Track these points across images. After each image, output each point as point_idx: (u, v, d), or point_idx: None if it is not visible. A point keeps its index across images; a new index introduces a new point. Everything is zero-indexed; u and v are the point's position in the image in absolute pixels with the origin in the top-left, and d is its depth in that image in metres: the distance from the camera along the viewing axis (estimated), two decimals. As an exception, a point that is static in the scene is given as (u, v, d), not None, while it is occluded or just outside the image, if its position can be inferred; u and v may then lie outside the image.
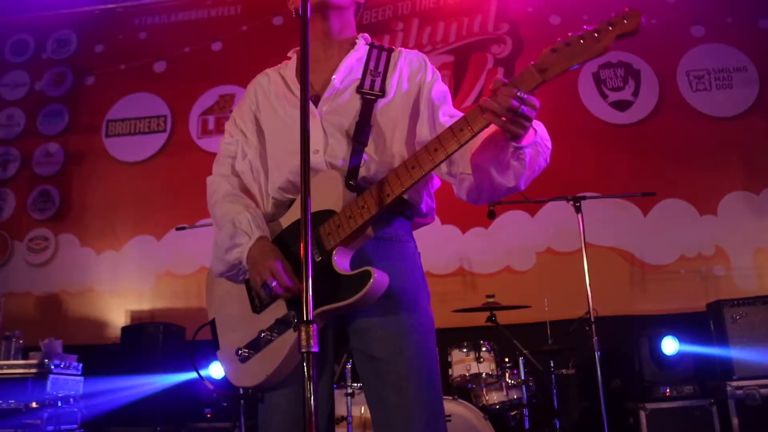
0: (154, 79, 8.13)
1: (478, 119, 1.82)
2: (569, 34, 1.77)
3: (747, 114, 7.05)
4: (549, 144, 2.01)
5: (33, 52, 8.50)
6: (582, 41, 1.75)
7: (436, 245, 6.62)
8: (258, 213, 2.19)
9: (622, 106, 7.19)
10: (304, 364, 1.43)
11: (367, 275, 1.86)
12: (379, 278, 1.87)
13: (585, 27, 1.75)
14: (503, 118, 1.77)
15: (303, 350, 1.44)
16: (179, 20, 8.38)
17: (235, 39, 8.06)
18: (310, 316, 1.47)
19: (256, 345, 2.06)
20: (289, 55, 2.44)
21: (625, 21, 1.72)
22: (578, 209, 5.27)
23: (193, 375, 5.98)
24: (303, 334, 1.45)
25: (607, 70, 7.31)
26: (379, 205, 1.92)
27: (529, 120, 1.80)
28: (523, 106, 1.75)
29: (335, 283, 1.91)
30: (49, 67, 8.39)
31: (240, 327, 2.14)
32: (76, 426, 5.45)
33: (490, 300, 5.33)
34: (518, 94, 1.74)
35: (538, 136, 1.94)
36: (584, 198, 5.32)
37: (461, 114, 2.04)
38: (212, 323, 2.26)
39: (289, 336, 1.99)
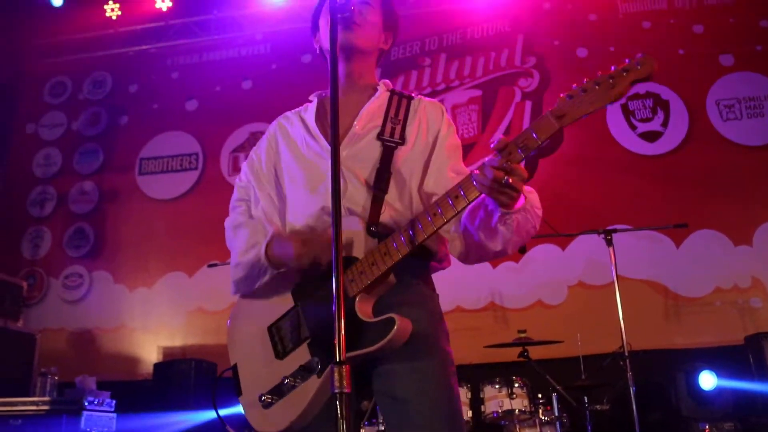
0: (185, 117, 8.31)
1: (472, 188, 1.87)
2: (585, 80, 1.79)
3: (780, 141, 6.96)
4: (539, 211, 2.03)
5: (70, 93, 8.75)
6: (598, 87, 1.77)
7: (467, 280, 6.59)
8: (268, 222, 2.24)
9: (651, 137, 7.15)
10: (337, 404, 1.44)
11: (391, 322, 1.87)
12: (402, 325, 1.88)
13: (600, 73, 1.77)
14: (487, 190, 1.82)
15: (336, 390, 1.45)
16: (210, 60, 8.56)
17: (265, 77, 8.22)
18: (343, 357, 1.47)
19: (279, 391, 2.07)
20: (310, 98, 2.46)
21: (639, 67, 1.74)
22: (609, 242, 5.22)
23: (224, 412, 5.97)
24: (336, 374, 1.45)
25: (636, 102, 7.28)
26: (402, 253, 1.95)
27: (517, 191, 1.84)
28: (509, 178, 1.79)
29: (358, 330, 1.92)
30: (85, 107, 8.63)
31: (263, 373, 2.14)
32: (109, 463, 5.47)
33: (522, 335, 5.28)
34: (505, 165, 1.78)
35: (528, 202, 1.96)
36: (615, 231, 5.27)
37: (467, 171, 2.14)
38: (234, 368, 2.26)
39: (313, 382, 2.00)
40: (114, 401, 5.63)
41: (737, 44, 7.29)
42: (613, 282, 5.16)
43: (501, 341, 5.39)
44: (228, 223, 2.36)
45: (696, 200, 6.79)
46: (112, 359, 7.43)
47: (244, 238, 2.18)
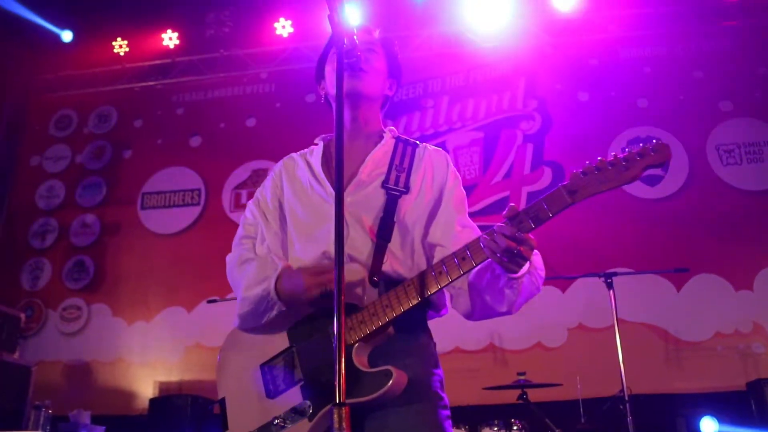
0: (189, 153, 8.37)
1: (480, 252, 1.90)
2: (599, 158, 1.84)
3: (780, 187, 7.00)
4: (542, 273, 2.06)
5: (75, 126, 8.84)
6: (611, 168, 1.82)
7: (467, 322, 6.52)
8: (276, 256, 2.22)
9: (652, 180, 7.18)
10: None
11: (388, 375, 1.88)
12: (398, 378, 1.89)
13: (615, 154, 1.82)
14: (498, 258, 1.85)
15: (335, 432, 1.44)
16: (215, 97, 8.66)
17: (269, 115, 8.30)
18: (343, 399, 1.47)
19: (267, 431, 2.05)
20: (316, 141, 2.47)
21: (654, 153, 1.80)
22: (610, 285, 5.21)
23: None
24: (336, 416, 1.45)
25: (637, 146, 7.30)
26: (404, 307, 1.96)
27: (525, 260, 1.88)
28: (520, 248, 1.82)
29: (354, 378, 1.91)
30: (90, 141, 8.70)
31: (252, 410, 2.12)
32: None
33: (521, 377, 5.24)
34: (516, 235, 1.81)
35: (533, 266, 1.99)
36: (615, 274, 5.26)
37: (474, 225, 2.20)
38: (222, 402, 2.23)
39: (303, 425, 1.99)
40: (109, 436, 5.58)
41: (736, 91, 7.38)
42: (613, 325, 5.14)
43: (500, 383, 5.36)
44: (231, 258, 2.34)
45: (697, 244, 6.80)
46: (108, 393, 7.36)
47: (253, 272, 2.16)
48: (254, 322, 2.19)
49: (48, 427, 5.37)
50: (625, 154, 1.82)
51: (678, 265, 5.68)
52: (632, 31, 7.78)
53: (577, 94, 7.64)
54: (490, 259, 1.91)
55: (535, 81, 7.78)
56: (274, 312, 2.12)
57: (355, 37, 2.00)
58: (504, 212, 1.87)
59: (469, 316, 2.17)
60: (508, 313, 2.06)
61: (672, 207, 7.07)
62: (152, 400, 6.81)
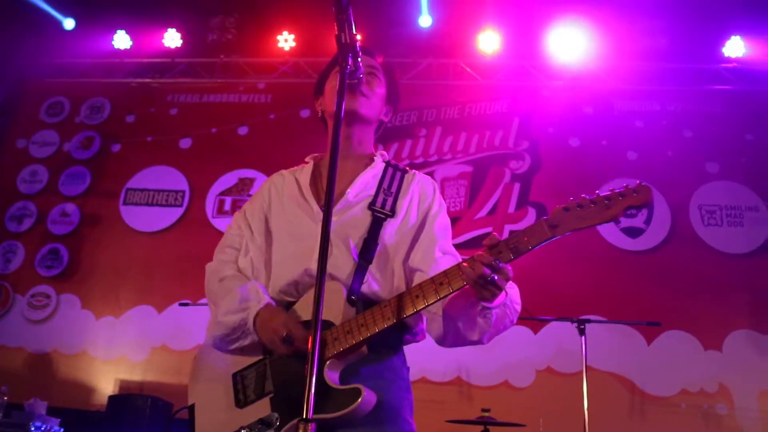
0: (178, 154, 8.34)
1: (457, 278, 1.92)
2: (582, 195, 1.88)
3: (757, 253, 7.10)
4: (518, 307, 2.09)
5: (67, 114, 8.77)
6: (593, 205, 1.86)
7: (436, 352, 6.49)
8: (263, 287, 2.21)
9: (633, 232, 7.26)
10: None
11: (357, 393, 1.89)
12: (368, 397, 1.91)
13: (598, 192, 1.87)
14: (472, 283, 1.88)
15: (299, 447, 1.44)
16: (210, 101, 8.66)
17: (262, 126, 8.31)
18: (310, 415, 1.47)
19: None
20: (306, 160, 2.50)
21: (635, 194, 1.84)
22: (582, 331, 5.23)
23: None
24: (301, 431, 1.45)
25: (620, 186, 7.40)
26: (378, 327, 1.98)
27: (500, 288, 1.91)
28: (495, 275, 1.85)
29: (324, 394, 1.92)
30: (80, 130, 8.64)
31: (220, 418, 2.13)
32: (45, 494, 5.29)
33: (486, 414, 5.23)
34: (493, 263, 1.85)
35: (508, 298, 2.02)
36: (589, 321, 5.29)
37: (453, 250, 2.24)
38: (191, 408, 2.24)
39: None
40: (62, 429, 5.48)
41: (723, 153, 7.51)
42: (581, 371, 5.16)
43: (464, 417, 5.34)
44: (213, 269, 2.35)
45: (671, 300, 6.85)
46: (67, 385, 7.25)
47: (234, 298, 2.16)
48: (225, 345, 2.19)
49: (0, 413, 5.27)
50: (607, 193, 1.86)
51: (651, 319, 5.69)
52: (628, 84, 7.91)
53: (568, 139, 7.73)
54: (466, 287, 1.93)
55: (529, 122, 7.87)
56: (247, 341, 2.13)
57: (359, 59, 2.03)
58: (484, 240, 1.90)
59: (442, 341, 2.17)
60: (480, 342, 2.07)
61: (650, 261, 7.14)
62: (111, 397, 6.70)
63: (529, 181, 7.55)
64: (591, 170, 7.48)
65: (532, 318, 5.45)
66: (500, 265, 1.86)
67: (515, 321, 2.09)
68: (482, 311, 1.98)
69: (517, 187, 7.54)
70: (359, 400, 1.88)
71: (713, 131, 7.63)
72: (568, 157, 7.62)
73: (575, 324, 5.28)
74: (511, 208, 7.43)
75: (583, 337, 5.22)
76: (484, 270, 1.84)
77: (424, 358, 6.41)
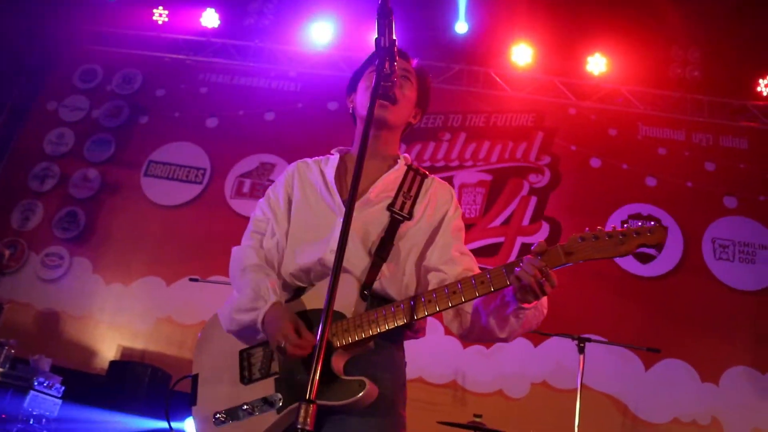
0: (203, 132, 8.44)
1: (500, 279, 2.00)
2: (598, 227, 1.96)
3: (765, 292, 7.09)
4: (546, 311, 2.17)
5: (99, 82, 8.92)
6: (608, 239, 1.94)
7: (434, 354, 6.63)
8: (278, 282, 2.29)
9: (644, 258, 7.28)
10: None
11: (362, 385, 1.97)
12: (370, 390, 1.98)
13: (614, 226, 1.94)
14: (523, 285, 1.95)
15: (299, 426, 1.51)
16: (240, 84, 8.76)
17: (289, 113, 8.40)
18: (312, 396, 1.54)
19: (234, 414, 2.12)
20: (332, 152, 2.57)
21: (650, 234, 1.92)
22: (581, 350, 5.24)
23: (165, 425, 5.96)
24: (302, 411, 1.52)
25: (636, 222, 7.38)
26: (388, 325, 2.06)
27: (545, 293, 1.98)
28: (544, 280, 1.95)
29: (329, 382, 2.00)
30: (110, 99, 8.77)
31: (223, 391, 2.20)
32: (41, 448, 5.41)
33: (477, 420, 5.27)
34: (544, 269, 1.94)
35: (540, 303, 2.10)
36: (589, 340, 5.31)
37: (468, 252, 2.33)
38: (194, 378, 2.30)
39: (270, 416, 2.06)
40: (63, 387, 5.59)
41: (743, 189, 7.51)
42: (576, 389, 5.18)
43: (455, 421, 5.39)
44: (238, 254, 2.42)
45: (673, 329, 6.88)
46: (71, 346, 7.37)
47: (247, 297, 2.21)
48: (238, 338, 2.26)
49: (7, 365, 5.39)
50: (623, 229, 1.93)
51: (651, 345, 5.72)
52: (656, 111, 7.93)
53: (590, 158, 7.77)
54: (486, 295, 2.02)
55: (552, 137, 7.90)
56: (258, 337, 2.20)
57: (395, 63, 2.09)
58: (534, 247, 1.98)
59: (466, 336, 2.24)
60: (506, 340, 2.16)
61: (657, 287, 7.16)
62: (112, 363, 6.83)
63: (546, 196, 7.59)
64: (609, 192, 7.51)
65: (533, 331, 5.47)
66: (549, 271, 1.95)
67: (540, 324, 2.18)
68: (516, 311, 2.06)
69: (533, 200, 7.58)
70: (363, 392, 1.95)
71: (735, 166, 7.64)
72: (588, 177, 7.65)
73: (575, 341, 5.29)
74: (526, 221, 7.48)
75: (581, 355, 5.23)
76: (537, 273, 1.93)
77: (423, 358, 6.50)
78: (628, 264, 7.25)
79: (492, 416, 5.53)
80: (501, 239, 7.36)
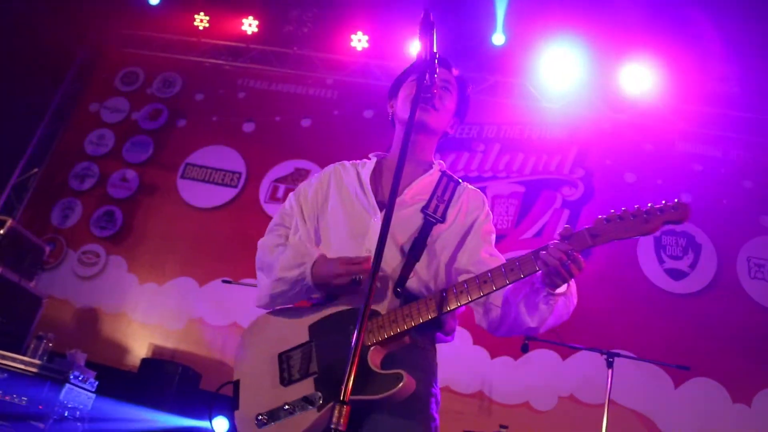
0: (240, 137, 8.58)
1: (529, 265, 2.07)
2: (623, 208, 2.02)
3: (800, 314, 6.98)
4: (575, 300, 2.22)
5: (140, 85, 9.13)
6: (633, 218, 2.01)
7: (462, 363, 6.65)
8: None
9: (677, 275, 7.22)
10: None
11: (399, 378, 2.01)
12: (408, 383, 2.02)
13: (637, 206, 2.00)
14: (550, 268, 2.01)
15: (332, 426, 1.56)
16: (278, 90, 8.89)
17: (325, 120, 8.50)
18: (347, 398, 1.59)
19: (276, 415, 2.17)
20: (370, 156, 2.65)
21: (673, 210, 1.97)
22: (610, 364, 5.22)
23: (196, 423, 6.06)
24: (336, 412, 1.57)
25: (670, 237, 7.37)
26: (422, 318, 2.11)
27: (572, 276, 2.05)
28: (570, 263, 2.00)
29: (366, 377, 2.04)
30: (150, 102, 8.97)
31: (264, 394, 2.25)
32: (74, 441, 5.52)
33: (503, 430, 5.30)
34: (570, 251, 2.00)
35: (570, 290, 2.16)
36: (618, 355, 5.29)
37: (499, 254, 2.37)
38: (236, 383, 2.36)
39: (311, 414, 2.11)
40: (97, 382, 5.72)
41: (781, 210, 7.40)
42: (604, 404, 5.16)
43: (481, 430, 5.42)
44: (264, 242, 2.50)
45: (704, 347, 6.79)
46: (105, 343, 7.53)
47: (289, 255, 2.32)
48: (287, 301, 2.35)
49: (45, 358, 5.53)
50: (647, 208, 1.99)
51: (681, 363, 5.66)
52: (693, 126, 7.86)
53: (624, 173, 7.72)
54: (517, 282, 2.08)
55: (587, 151, 7.88)
56: (307, 295, 2.29)
57: (436, 74, 2.15)
58: (560, 231, 2.05)
59: (496, 328, 2.30)
60: (536, 330, 2.20)
61: (690, 305, 7.08)
62: (144, 360, 6.97)
63: (578, 210, 7.57)
64: (635, 204, 7.43)
65: (562, 344, 5.47)
66: (575, 254, 2.00)
67: (570, 314, 2.21)
68: (547, 298, 2.12)
69: (566, 213, 7.56)
70: (401, 384, 1.99)
71: (774, 186, 7.53)
72: (622, 191, 7.60)
73: (604, 356, 5.27)
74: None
75: (610, 370, 5.21)
76: (562, 256, 1.99)
77: (451, 367, 6.49)
78: (662, 281, 7.19)
79: (518, 428, 5.55)
80: (527, 252, 7.34)
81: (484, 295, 2.10)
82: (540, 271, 2.07)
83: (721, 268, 7.22)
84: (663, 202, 1.99)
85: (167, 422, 6.05)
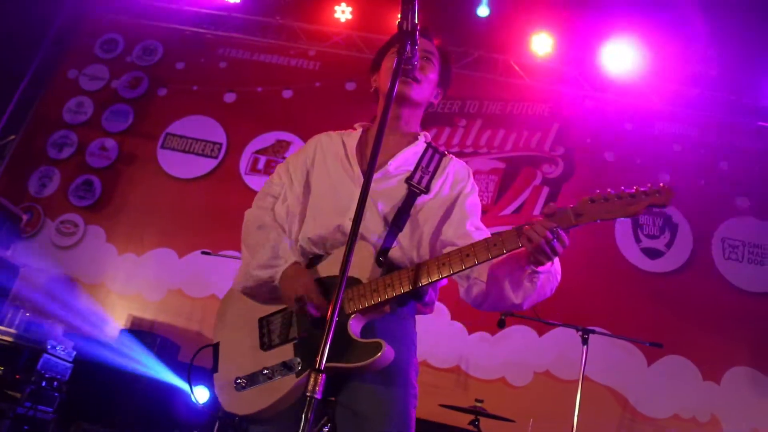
0: (221, 107, 8.50)
1: (512, 240, 2.08)
2: (608, 190, 2.03)
3: (772, 295, 7.11)
4: (559, 277, 2.25)
5: (120, 52, 8.96)
6: (618, 200, 2.02)
7: (440, 338, 6.71)
8: (294, 244, 2.38)
9: (653, 254, 7.31)
10: (305, 408, 1.57)
11: (378, 347, 2.04)
12: (387, 352, 2.05)
13: (623, 188, 2.01)
14: (534, 245, 2.02)
15: (308, 394, 1.58)
16: (259, 60, 8.79)
17: (307, 92, 8.43)
18: (322, 366, 1.61)
19: (255, 378, 2.20)
20: (355, 126, 2.65)
21: (658, 194, 1.99)
22: (585, 341, 5.29)
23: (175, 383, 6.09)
24: (311, 380, 1.59)
25: (647, 216, 7.45)
26: (404, 288, 2.13)
27: (556, 254, 2.07)
28: (555, 241, 2.02)
29: (346, 345, 2.07)
30: (130, 70, 8.82)
31: (244, 358, 2.28)
32: (51, 410, 5.51)
33: (478, 404, 5.36)
34: (554, 229, 2.01)
35: (554, 267, 2.19)
36: (593, 332, 5.35)
37: (484, 227, 2.39)
38: (215, 346, 2.39)
39: (290, 380, 2.14)
40: (74, 352, 5.70)
41: (756, 190, 7.49)
42: (578, 380, 5.23)
43: (457, 404, 5.48)
44: (251, 215, 2.51)
45: (678, 325, 6.91)
46: (83, 313, 7.48)
47: (266, 255, 2.32)
48: (252, 295, 2.36)
49: (22, 328, 5.50)
50: (632, 190, 2.00)
51: (655, 341, 5.75)
52: (672, 107, 7.92)
53: (604, 152, 7.77)
54: (500, 257, 2.10)
55: (568, 129, 7.91)
56: (273, 295, 2.30)
57: (416, 46, 2.14)
58: (544, 209, 2.07)
59: (480, 303, 2.31)
60: (520, 307, 2.23)
61: (665, 284, 7.19)
62: (123, 331, 6.94)
63: (558, 187, 7.61)
64: (621, 185, 7.49)
65: (538, 319, 5.53)
66: (559, 231, 2.02)
67: (554, 290, 2.24)
68: (530, 275, 2.14)
69: (545, 190, 7.60)
70: (380, 353, 2.02)
71: (750, 167, 7.61)
72: (601, 170, 7.66)
73: (579, 332, 5.34)
74: (537, 211, 7.50)
75: (585, 347, 5.28)
76: (547, 234, 2.00)
77: (429, 341, 6.56)
78: (638, 259, 7.29)
79: (493, 402, 5.61)
80: (511, 228, 7.38)
81: (466, 269, 2.12)
82: (523, 248, 2.08)
83: (697, 248, 7.32)
84: (648, 185, 2.01)
85: (155, 372, 6.06)
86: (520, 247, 2.07)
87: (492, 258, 2.10)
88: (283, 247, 2.33)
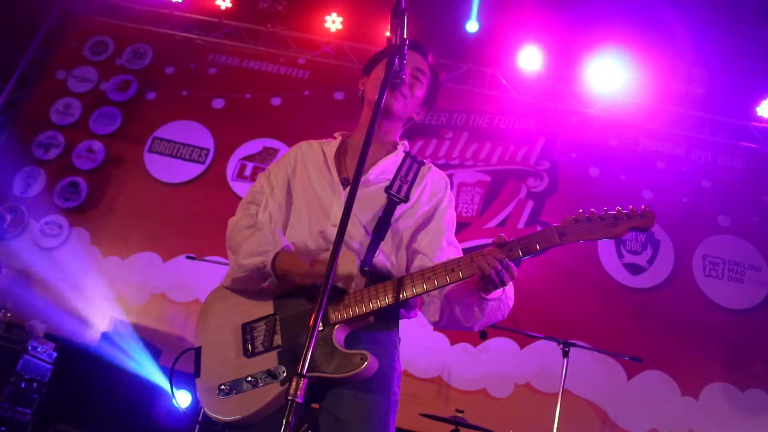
0: (209, 113, 8.50)
1: (469, 267, 2.12)
2: (592, 210, 2.07)
3: (751, 312, 7.20)
4: (511, 302, 2.30)
5: (109, 55, 8.94)
6: (601, 221, 2.06)
7: (422, 348, 6.73)
8: (280, 233, 2.39)
9: (635, 269, 7.38)
10: (286, 411, 1.59)
11: (364, 358, 2.07)
12: (372, 363, 2.08)
13: (606, 209, 2.05)
14: (484, 274, 2.07)
15: (289, 398, 1.60)
16: (249, 67, 8.81)
17: (296, 100, 8.46)
18: (304, 371, 1.63)
19: (239, 385, 2.20)
20: (335, 135, 2.68)
21: (641, 218, 2.04)
22: (566, 354, 5.31)
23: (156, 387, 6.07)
24: (293, 383, 1.61)
25: (627, 207, 7.48)
26: (388, 301, 2.16)
27: (504, 284, 2.11)
28: (504, 272, 2.07)
29: (330, 355, 2.09)
30: (119, 73, 8.81)
31: (227, 364, 2.27)
32: (30, 411, 5.47)
33: (459, 415, 5.37)
34: (503, 261, 2.05)
35: (504, 294, 2.24)
36: (574, 345, 5.38)
37: (456, 242, 2.45)
38: (198, 350, 2.37)
39: (274, 388, 2.14)
40: (56, 353, 5.67)
41: (737, 209, 7.60)
42: (558, 393, 5.26)
43: (438, 414, 5.48)
44: (235, 221, 2.51)
45: (658, 341, 6.97)
46: (65, 315, 7.43)
47: (254, 242, 2.33)
48: (245, 286, 2.36)
49: (2, 329, 5.46)
50: (615, 212, 2.04)
51: (635, 355, 5.80)
52: (657, 125, 8.02)
53: (589, 167, 7.85)
54: (457, 282, 2.14)
55: (554, 143, 7.98)
56: (266, 283, 2.30)
57: (405, 60, 2.18)
58: (494, 239, 2.10)
59: (437, 322, 2.37)
60: (470, 329, 2.29)
61: (646, 299, 7.26)
62: (105, 334, 6.90)
63: (542, 201, 7.67)
64: (605, 201, 7.46)
65: (519, 332, 5.55)
66: (509, 263, 2.06)
67: (506, 315, 2.29)
68: (479, 301, 2.19)
69: (530, 204, 7.66)
70: (364, 364, 2.05)
71: (732, 186, 7.72)
72: (585, 185, 7.73)
73: (560, 345, 5.37)
74: (521, 224, 7.56)
75: (565, 360, 5.31)
76: (497, 264, 2.04)
77: (411, 351, 6.59)
78: (620, 275, 7.35)
79: (474, 413, 5.62)
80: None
81: (427, 291, 2.16)
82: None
83: (678, 264, 7.40)
84: (631, 207, 2.05)
85: (139, 369, 6.04)
86: (474, 274, 2.12)
87: (450, 282, 2.15)
88: (272, 236, 2.33)
